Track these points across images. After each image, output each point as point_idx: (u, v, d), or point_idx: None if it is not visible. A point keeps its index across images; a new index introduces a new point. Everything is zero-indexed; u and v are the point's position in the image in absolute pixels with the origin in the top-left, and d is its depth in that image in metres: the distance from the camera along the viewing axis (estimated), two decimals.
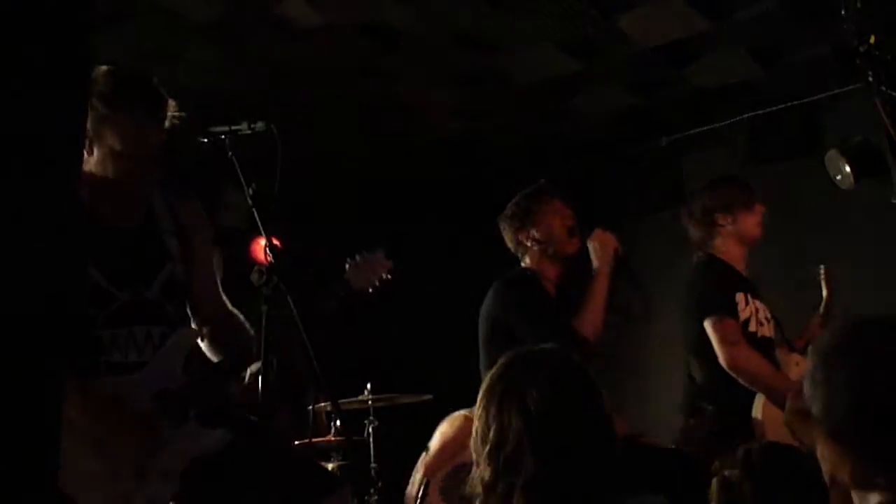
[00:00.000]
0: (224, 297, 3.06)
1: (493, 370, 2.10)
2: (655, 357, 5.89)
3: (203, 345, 2.99)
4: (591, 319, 3.66)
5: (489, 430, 2.01)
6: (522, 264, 3.98)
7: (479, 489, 2.00)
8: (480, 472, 2.00)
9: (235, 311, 3.04)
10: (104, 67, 2.77)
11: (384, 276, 3.17)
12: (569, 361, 2.12)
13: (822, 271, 4.16)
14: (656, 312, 4.32)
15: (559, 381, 2.02)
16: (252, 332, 2.98)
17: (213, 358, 2.98)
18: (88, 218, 2.69)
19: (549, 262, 3.89)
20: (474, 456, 2.04)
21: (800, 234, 5.45)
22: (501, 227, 4.03)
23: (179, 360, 2.77)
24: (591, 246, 3.83)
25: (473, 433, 2.06)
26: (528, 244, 3.91)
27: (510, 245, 4.01)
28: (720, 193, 4.13)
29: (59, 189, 1.53)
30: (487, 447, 2.00)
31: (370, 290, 3.13)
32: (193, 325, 2.99)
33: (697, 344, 3.87)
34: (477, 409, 2.07)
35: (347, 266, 3.12)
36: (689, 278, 4.02)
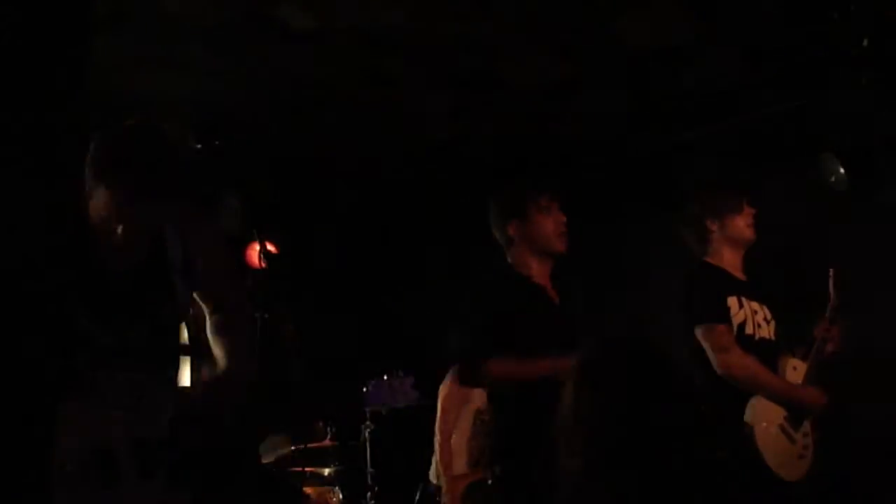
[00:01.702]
0: (234, 289, 2.98)
1: (583, 357, 2.04)
2: None
3: (210, 336, 2.92)
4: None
5: (587, 416, 1.94)
6: (508, 258, 3.92)
7: (569, 476, 1.94)
8: (573, 461, 1.94)
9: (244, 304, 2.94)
10: (110, 133, 2.68)
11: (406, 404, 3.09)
12: (660, 351, 2.07)
13: (830, 274, 4.12)
14: (654, 315, 4.33)
15: (659, 371, 1.98)
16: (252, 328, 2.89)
17: (217, 349, 2.89)
18: (81, 259, 2.62)
19: (536, 259, 3.84)
20: (563, 445, 1.98)
21: (794, 236, 5.44)
22: (492, 208, 3.95)
23: (164, 409, 2.67)
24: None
25: (563, 420, 2.00)
26: (512, 234, 3.86)
27: (497, 231, 3.93)
28: (707, 199, 4.14)
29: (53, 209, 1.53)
30: (591, 437, 1.93)
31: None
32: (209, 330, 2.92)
33: (694, 350, 3.88)
34: (569, 395, 1.99)
35: (369, 388, 3.04)
36: (682, 286, 4.03)
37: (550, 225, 3.80)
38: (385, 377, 3.07)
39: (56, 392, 2.12)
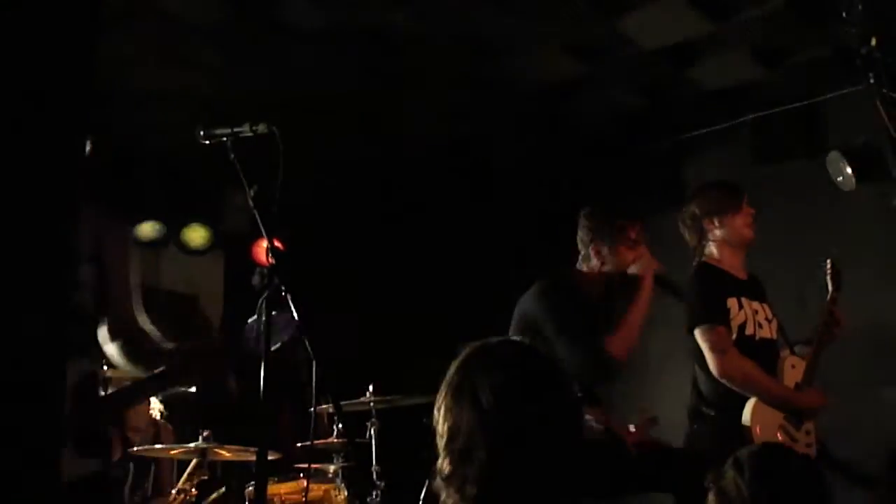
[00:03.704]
0: (139, 314, 3.06)
1: (453, 363, 2.08)
2: (661, 360, 5.88)
3: (118, 360, 2.99)
4: (625, 339, 3.74)
5: (444, 423, 2.02)
6: (581, 265, 4.00)
7: (440, 481, 2.00)
8: (440, 464, 2.00)
9: (148, 328, 3.03)
10: None
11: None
12: (529, 354, 2.09)
13: (827, 266, 4.14)
14: (659, 316, 4.34)
15: (515, 374, 1.99)
16: (164, 347, 2.97)
17: (129, 369, 3.00)
18: None
19: (599, 272, 3.95)
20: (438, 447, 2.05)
21: (801, 236, 5.45)
22: (583, 220, 4.04)
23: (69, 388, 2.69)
24: (635, 267, 3.89)
25: (435, 425, 2.07)
26: (593, 255, 3.94)
27: (580, 242, 4.03)
28: (707, 198, 4.14)
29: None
30: (444, 440, 2.00)
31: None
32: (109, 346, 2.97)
33: (697, 351, 3.89)
34: (437, 403, 2.07)
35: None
36: (684, 287, 4.04)
37: (630, 258, 3.90)
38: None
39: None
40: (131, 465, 4.79)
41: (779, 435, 3.76)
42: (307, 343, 2.78)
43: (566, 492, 1.90)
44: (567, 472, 1.92)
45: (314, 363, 2.79)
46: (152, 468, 4.84)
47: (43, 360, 1.51)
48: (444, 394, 2.06)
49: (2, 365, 1.49)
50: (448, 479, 1.97)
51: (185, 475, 4.38)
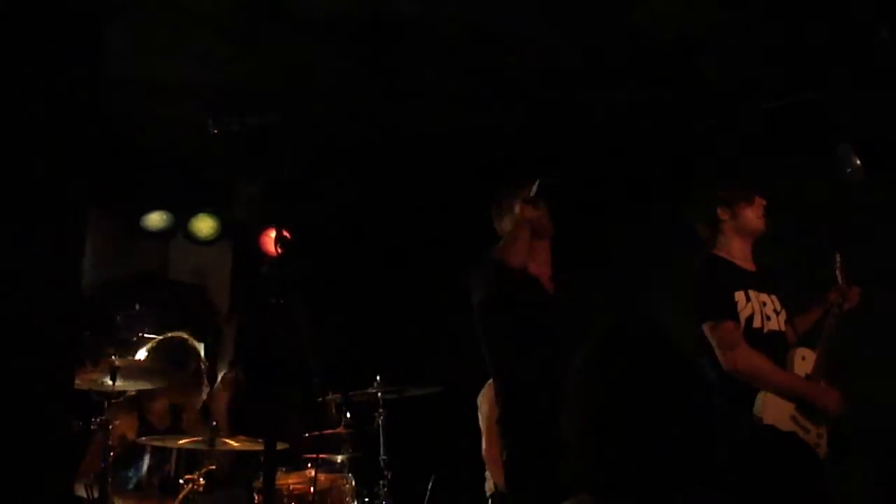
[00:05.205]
0: None
1: (597, 337, 1.90)
2: None
3: None
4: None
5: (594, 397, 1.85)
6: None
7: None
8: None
9: None
10: None
11: None
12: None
13: (836, 260, 4.15)
14: (660, 307, 4.34)
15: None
16: None
17: None
18: None
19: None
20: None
21: (809, 228, 5.43)
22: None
23: None
24: None
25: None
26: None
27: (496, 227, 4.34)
28: (719, 189, 4.14)
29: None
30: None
31: None
32: None
33: (702, 344, 3.88)
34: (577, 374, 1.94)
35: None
36: (690, 280, 4.04)
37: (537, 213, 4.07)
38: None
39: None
40: (150, 447, 4.83)
41: (791, 425, 3.76)
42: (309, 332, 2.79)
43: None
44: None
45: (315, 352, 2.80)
46: (174, 452, 4.85)
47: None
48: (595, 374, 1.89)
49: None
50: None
51: None
